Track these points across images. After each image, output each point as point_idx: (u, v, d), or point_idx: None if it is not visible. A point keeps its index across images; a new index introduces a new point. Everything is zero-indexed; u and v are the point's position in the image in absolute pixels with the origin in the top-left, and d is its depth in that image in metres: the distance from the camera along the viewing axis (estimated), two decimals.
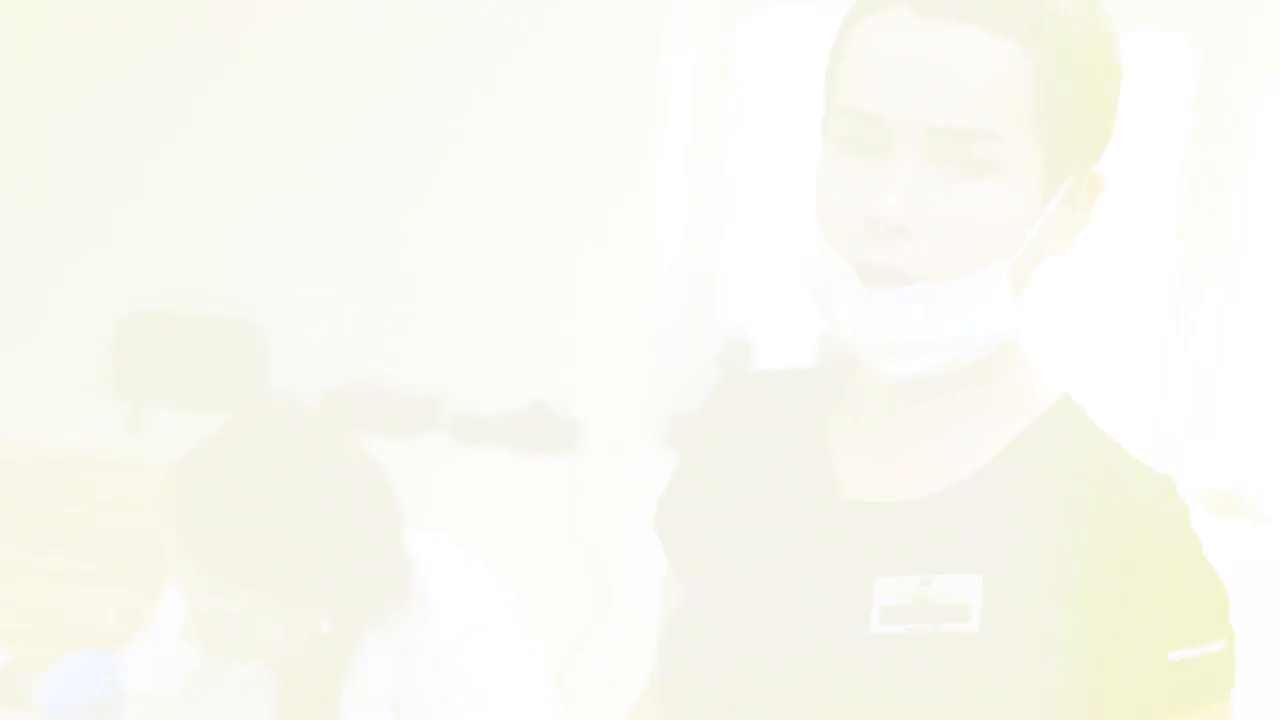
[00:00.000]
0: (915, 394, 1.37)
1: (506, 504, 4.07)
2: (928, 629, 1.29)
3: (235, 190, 4.44)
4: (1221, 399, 3.90)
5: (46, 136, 4.61)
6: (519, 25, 4.11)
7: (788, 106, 4.18)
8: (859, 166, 1.31)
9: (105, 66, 4.54)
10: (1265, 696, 3.19)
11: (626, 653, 1.61)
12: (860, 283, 1.30)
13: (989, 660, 1.28)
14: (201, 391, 4.35)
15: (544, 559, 3.97)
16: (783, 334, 4.13)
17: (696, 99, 4.12)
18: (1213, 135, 3.79)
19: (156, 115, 4.49)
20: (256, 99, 4.39)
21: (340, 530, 2.08)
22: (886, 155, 1.29)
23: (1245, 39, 3.76)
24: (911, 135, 1.28)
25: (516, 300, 4.17)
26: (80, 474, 4.52)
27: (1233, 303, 3.88)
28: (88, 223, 4.60)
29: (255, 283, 4.45)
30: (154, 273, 4.53)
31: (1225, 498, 3.80)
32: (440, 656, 2.14)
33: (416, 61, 4.23)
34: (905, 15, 1.29)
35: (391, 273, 4.32)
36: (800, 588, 1.37)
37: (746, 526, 1.43)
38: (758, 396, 1.52)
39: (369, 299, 4.34)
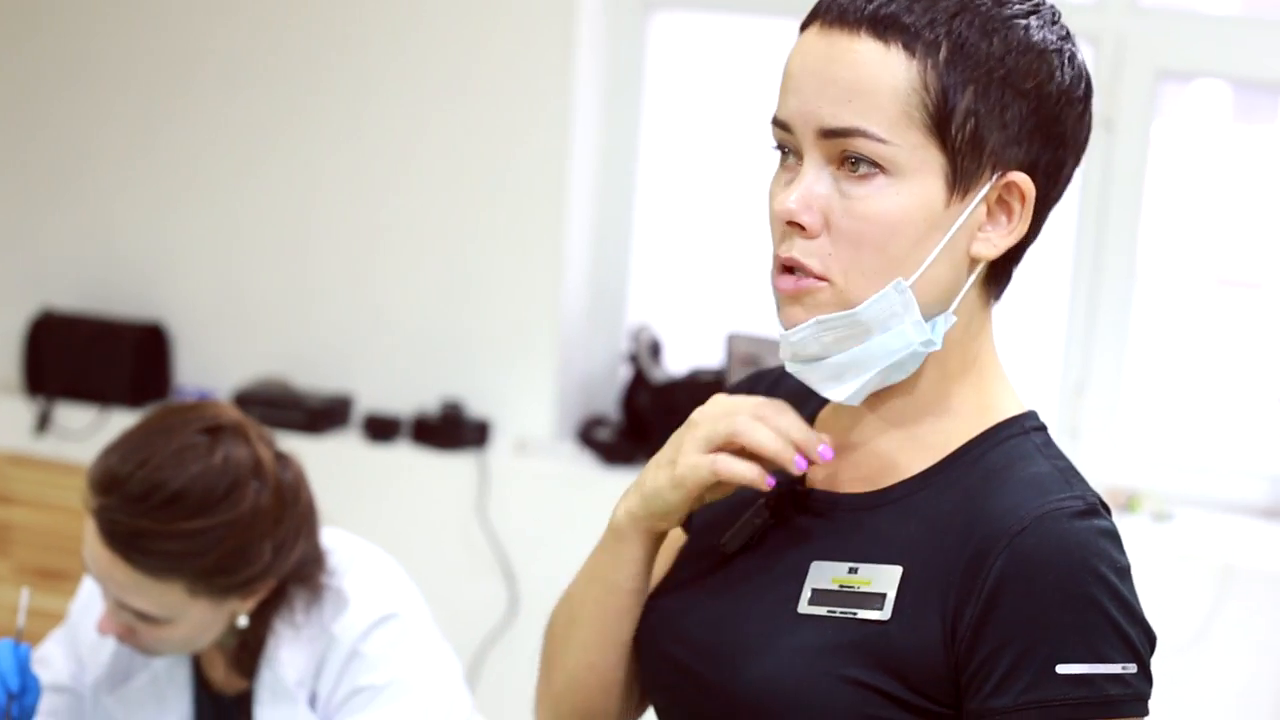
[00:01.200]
0: (875, 405, 1.46)
1: (418, 501, 4.10)
2: (848, 613, 1.38)
3: (145, 192, 4.44)
4: (1124, 402, 3.98)
5: None
6: (432, 24, 4.14)
7: (694, 107, 4.22)
8: (787, 169, 1.42)
9: (12, 77, 4.53)
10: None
11: (536, 646, 1.66)
12: (780, 318, 1.41)
13: (892, 648, 1.36)
14: (111, 391, 4.35)
15: (456, 555, 4.00)
16: (690, 333, 4.17)
17: (606, 98, 4.15)
18: (1111, 136, 3.87)
19: (70, 117, 4.49)
20: (166, 102, 4.39)
21: (255, 525, 2.10)
22: (800, 160, 1.40)
23: (1143, 43, 3.85)
24: (809, 138, 1.38)
25: (428, 300, 4.20)
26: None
27: (1137, 305, 3.95)
28: None
29: (164, 284, 4.44)
30: (64, 274, 4.52)
31: (1126, 495, 3.89)
32: (352, 648, 2.17)
33: (325, 61, 4.24)
34: (813, 32, 1.39)
35: (303, 274, 4.33)
36: (756, 565, 1.46)
37: (724, 503, 1.52)
38: (773, 388, 1.60)
39: (279, 300, 4.35)
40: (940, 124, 1.35)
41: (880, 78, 1.35)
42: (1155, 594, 3.61)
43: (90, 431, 4.34)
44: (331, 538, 2.27)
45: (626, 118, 4.17)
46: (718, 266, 4.22)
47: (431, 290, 4.19)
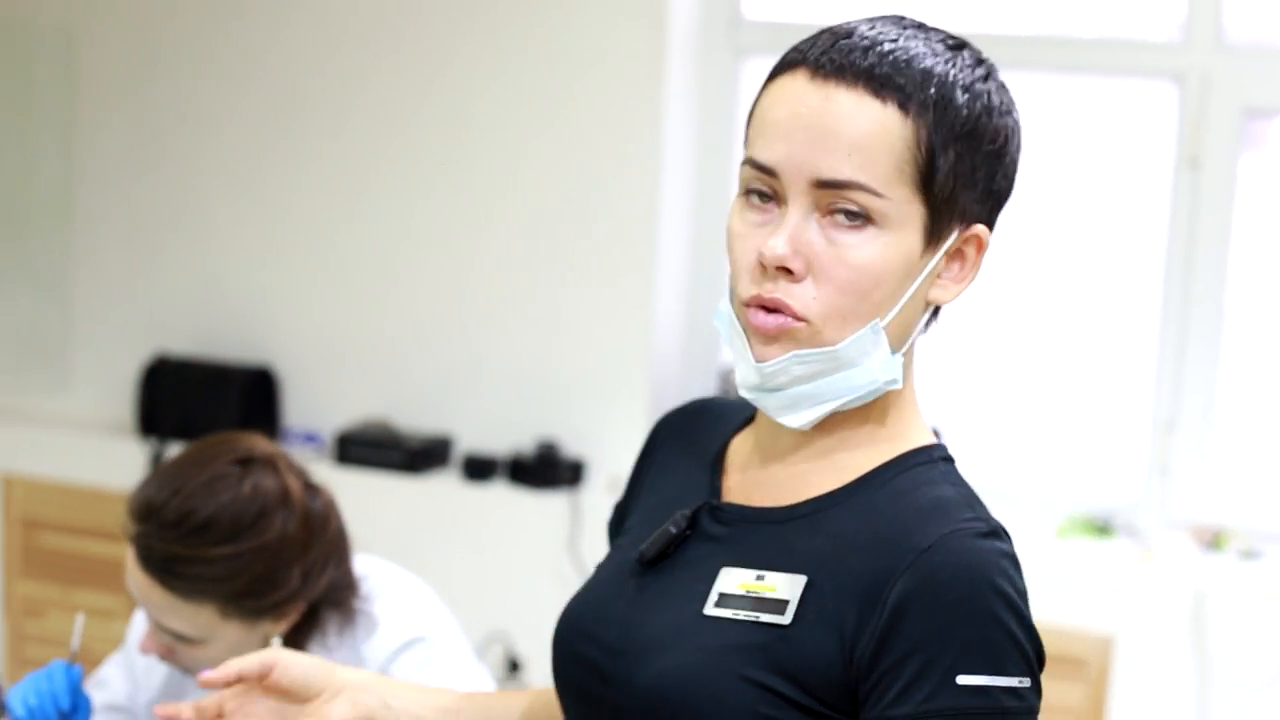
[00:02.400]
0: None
1: (513, 539, 4.18)
2: (750, 616, 1.44)
3: (253, 240, 4.58)
4: (1213, 439, 3.99)
5: (71, 191, 4.77)
6: (525, 67, 4.24)
7: None
8: (760, 213, 1.47)
9: (126, 126, 4.70)
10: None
11: None
12: (750, 344, 1.46)
13: (790, 652, 1.42)
14: (219, 432, 4.46)
15: (550, 592, 4.09)
16: None
17: (697, 139, 4.23)
18: (1197, 174, 3.90)
19: (180, 171, 4.64)
20: (271, 153, 4.53)
21: (283, 551, 2.19)
22: (781, 204, 1.45)
23: (1228, 81, 3.87)
24: (799, 185, 1.43)
25: (524, 342, 4.29)
26: (109, 511, 4.65)
27: (1226, 342, 3.96)
28: (113, 276, 4.75)
29: (272, 329, 4.58)
30: (177, 320, 4.67)
31: (1213, 533, 3.90)
32: (381, 669, 2.25)
33: (422, 107, 4.36)
34: (802, 78, 1.44)
35: (404, 318, 4.44)
36: (669, 572, 1.53)
37: (646, 519, 1.61)
38: (684, 422, 1.70)
39: (382, 344, 4.46)
40: (927, 181, 1.42)
41: (878, 134, 1.41)
42: (1239, 631, 3.64)
43: None
44: (365, 564, 2.35)
45: (718, 159, 4.25)
46: None
47: (527, 331, 4.29)
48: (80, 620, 2.30)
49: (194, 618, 2.18)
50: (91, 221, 4.75)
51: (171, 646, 2.22)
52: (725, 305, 1.51)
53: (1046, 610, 3.78)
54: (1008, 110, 1.49)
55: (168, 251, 4.68)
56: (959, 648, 1.37)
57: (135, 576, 2.19)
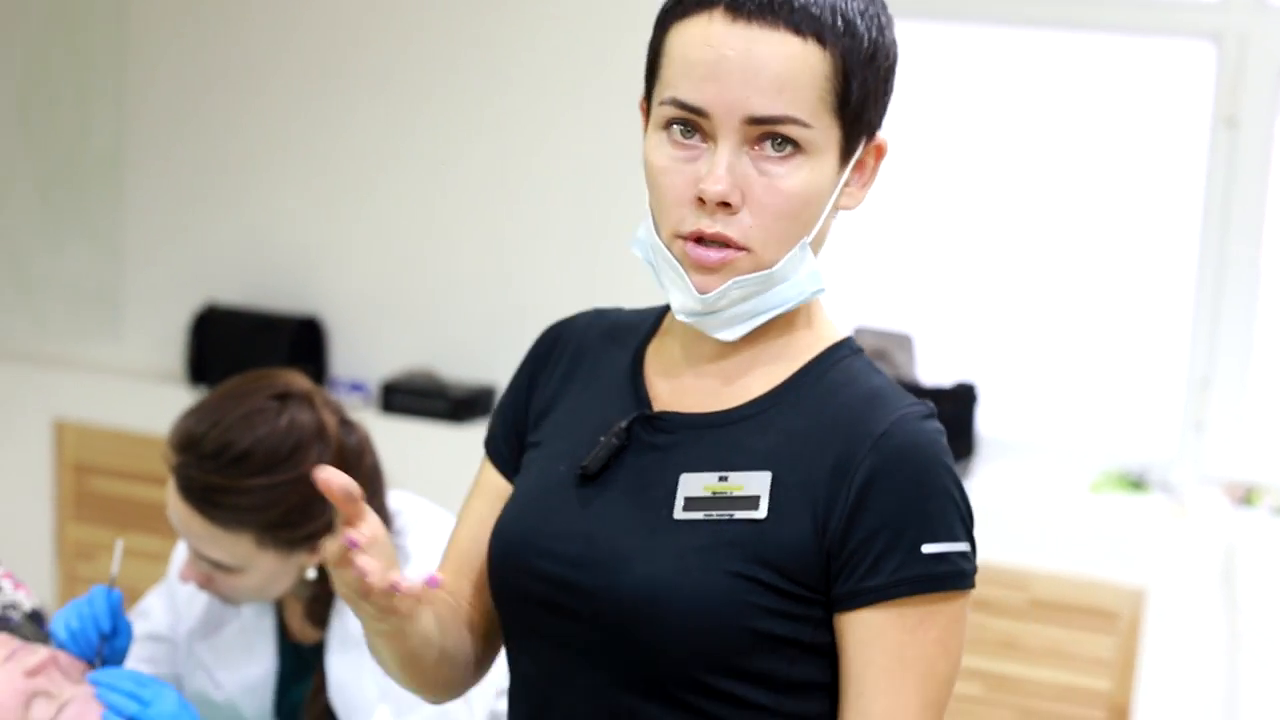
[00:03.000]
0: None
1: None
2: (724, 515, 1.54)
3: (302, 192, 4.66)
4: (1248, 396, 4.03)
5: (122, 146, 4.85)
6: (569, 21, 4.29)
7: None
8: (684, 149, 1.54)
9: (175, 82, 4.77)
10: None
11: None
12: (693, 282, 1.55)
13: (767, 543, 1.53)
14: None
15: None
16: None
17: None
18: (1234, 133, 3.93)
19: (232, 124, 4.72)
20: (322, 107, 4.60)
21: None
22: (710, 141, 1.53)
23: (1266, 41, 3.90)
24: (731, 124, 1.51)
25: (566, 294, 4.35)
26: (158, 457, 4.74)
27: (1261, 300, 4.01)
28: (164, 228, 4.84)
29: (320, 280, 4.66)
30: (227, 270, 4.76)
31: (1245, 488, 3.95)
32: None
33: (467, 62, 4.42)
34: (720, 19, 1.52)
35: (449, 269, 4.51)
36: (618, 482, 1.61)
37: (568, 432, 1.67)
38: (583, 331, 1.77)
39: (427, 295, 4.54)
40: (842, 105, 1.53)
41: (803, 70, 1.50)
42: (1270, 586, 3.70)
43: None
44: (398, 500, 2.42)
45: None
46: (842, 265, 4.34)
47: (570, 283, 4.34)
48: (119, 546, 2.38)
49: (231, 547, 2.24)
50: (142, 175, 4.83)
51: (210, 575, 2.29)
52: (646, 234, 1.60)
53: (1079, 563, 3.86)
54: (889, 25, 1.58)
55: (217, 204, 4.76)
56: (921, 521, 1.52)
57: (175, 506, 2.26)
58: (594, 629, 1.57)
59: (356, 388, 4.56)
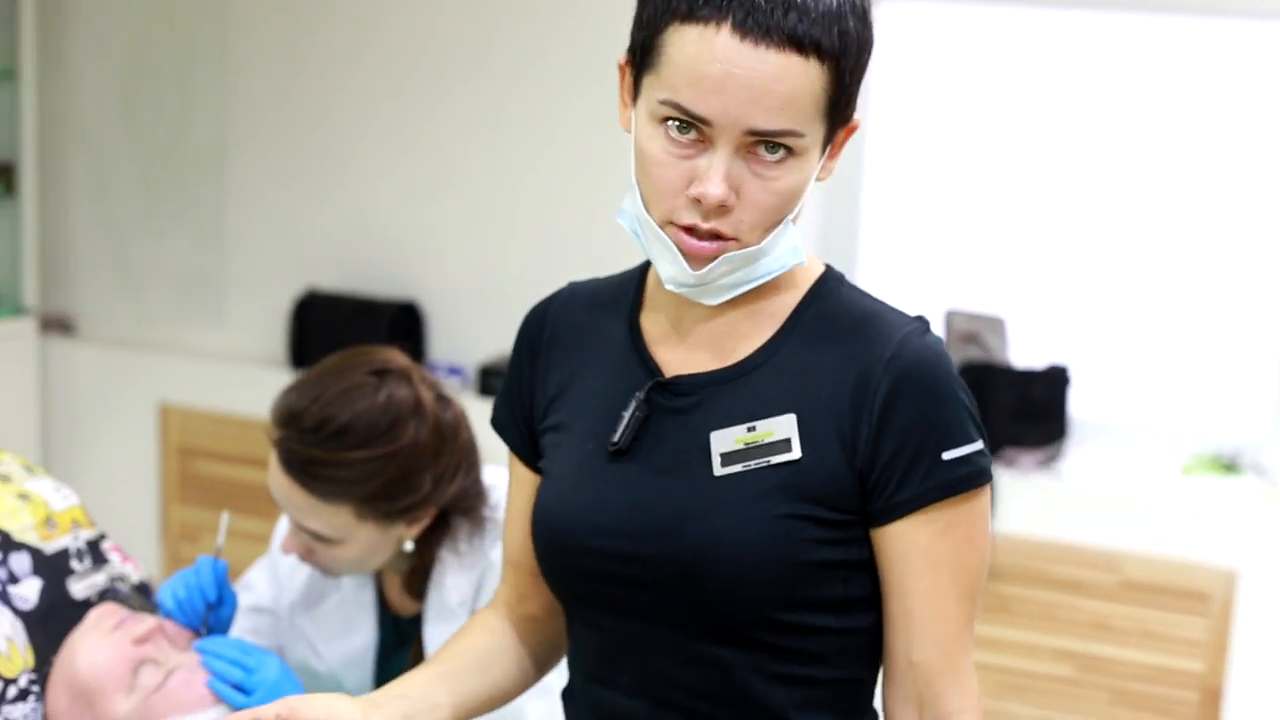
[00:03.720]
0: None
1: None
2: (762, 463, 1.61)
3: (402, 180, 4.73)
4: None
5: (225, 137, 4.95)
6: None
7: (920, 94, 4.35)
8: (680, 146, 1.59)
9: (276, 74, 4.87)
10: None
11: None
12: (681, 254, 1.60)
13: (807, 480, 1.60)
14: None
15: None
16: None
17: None
18: None
19: (335, 113, 4.80)
20: (421, 97, 4.67)
21: (415, 458, 2.30)
22: (710, 145, 1.57)
23: None
24: (732, 134, 1.55)
25: None
26: (261, 439, 4.83)
27: None
28: (266, 216, 4.93)
29: (419, 266, 4.74)
30: (328, 256, 4.84)
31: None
32: None
33: (566, 54, 4.48)
34: (726, 34, 1.55)
35: (544, 256, 4.56)
36: (651, 452, 1.67)
37: (584, 411, 1.73)
38: (568, 309, 1.83)
39: (523, 281, 4.59)
40: (832, 108, 1.58)
41: (804, 87, 1.55)
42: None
43: None
44: (494, 475, 2.45)
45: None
46: (935, 248, 4.36)
47: None
48: (225, 518, 2.45)
49: (331, 518, 2.29)
50: (245, 165, 4.92)
51: (311, 546, 2.34)
52: (634, 207, 1.65)
53: (1172, 545, 3.87)
54: (869, 11, 1.62)
55: (318, 192, 4.84)
56: (940, 430, 1.60)
57: (277, 479, 2.32)
58: (662, 592, 1.63)
59: (454, 371, 4.63)
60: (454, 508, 2.36)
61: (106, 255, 5.14)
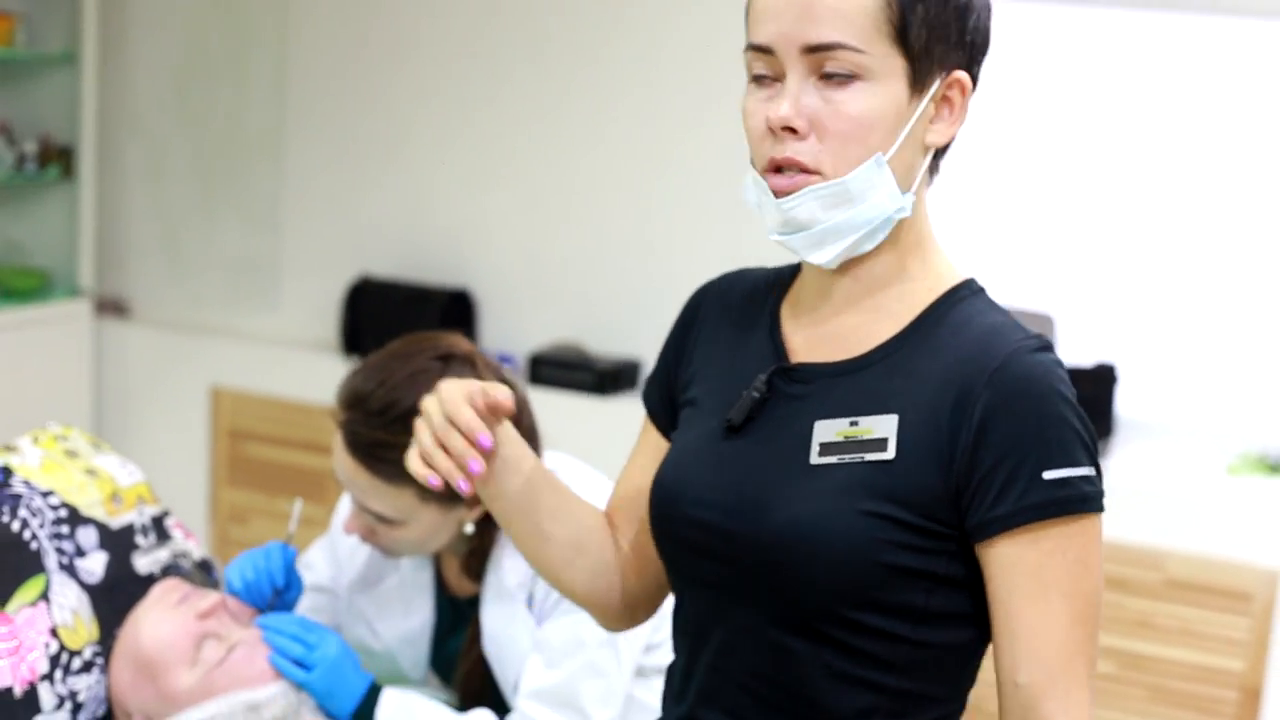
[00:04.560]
0: (844, 281, 1.71)
1: None
2: (855, 458, 1.63)
3: (456, 169, 4.77)
4: None
5: (283, 126, 5.00)
6: (717, 13, 4.36)
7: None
8: (767, 90, 1.66)
9: (334, 64, 4.91)
10: None
11: None
12: (772, 193, 1.65)
13: (898, 482, 1.61)
14: None
15: None
16: None
17: None
18: None
19: (390, 103, 4.85)
20: (476, 88, 4.71)
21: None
22: (781, 79, 1.64)
23: None
24: (792, 55, 1.62)
25: (711, 271, 4.41)
26: (312, 424, 4.89)
27: None
28: (321, 203, 4.98)
29: (472, 254, 4.78)
30: (382, 244, 4.89)
31: None
32: None
33: (620, 45, 4.51)
34: None
35: (597, 246, 4.60)
36: (761, 433, 1.71)
37: (717, 388, 1.78)
38: (724, 293, 1.88)
39: (575, 270, 4.63)
40: (902, 35, 1.61)
41: (853, 2, 1.61)
42: None
43: None
44: (554, 459, 2.51)
45: None
46: (984, 245, 4.37)
47: (715, 260, 4.39)
48: (298, 505, 2.49)
49: (395, 500, 2.33)
50: (302, 152, 4.98)
51: (373, 528, 2.38)
52: (750, 176, 1.70)
53: (1215, 544, 3.88)
54: None
55: (372, 181, 4.89)
56: (1040, 448, 1.58)
57: (342, 460, 2.36)
58: (743, 571, 1.67)
59: (505, 359, 4.66)
60: None
61: (162, 239, 5.20)
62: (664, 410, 1.87)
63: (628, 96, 4.52)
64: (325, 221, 4.97)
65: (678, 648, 1.80)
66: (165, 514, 2.52)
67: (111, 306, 5.25)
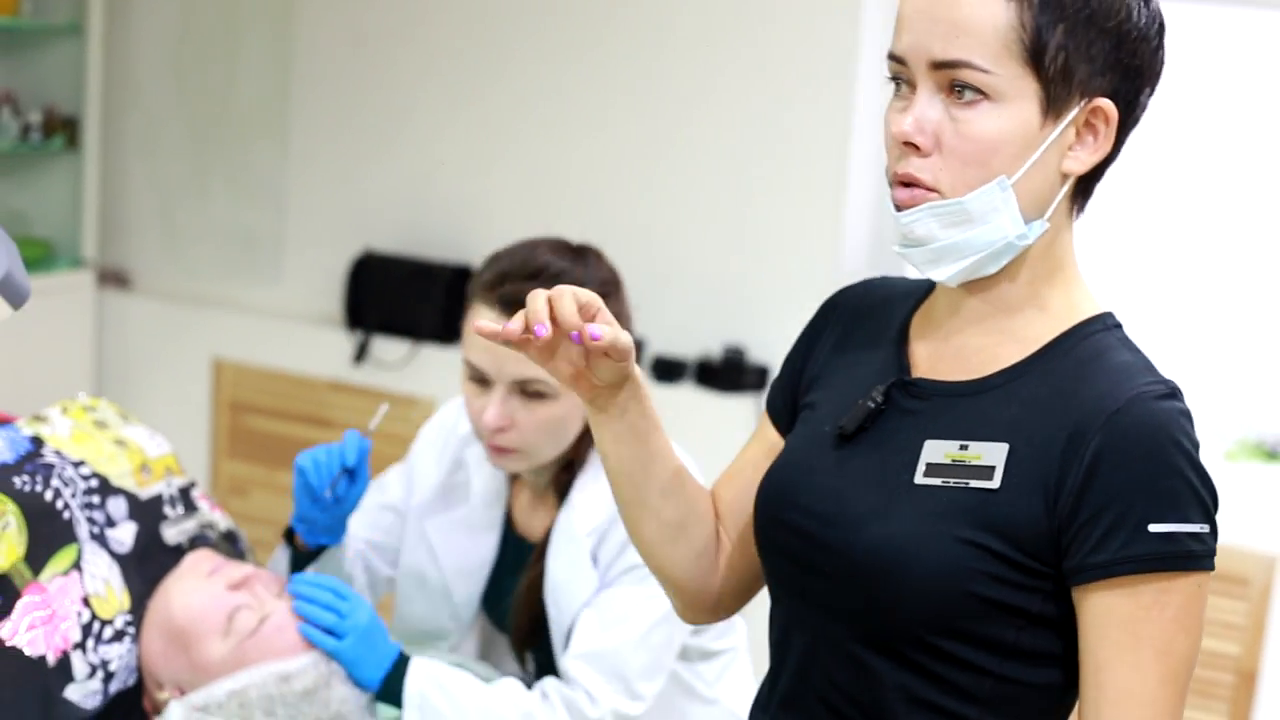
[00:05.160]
0: (974, 301, 1.68)
1: (699, 438, 4.35)
2: (960, 483, 1.60)
3: (460, 145, 4.79)
4: None
5: (288, 99, 5.02)
6: (722, 1, 4.40)
7: None
8: (902, 101, 1.63)
9: (339, 39, 4.93)
10: None
11: None
12: (894, 206, 1.64)
13: (1000, 513, 1.58)
14: (423, 327, 4.73)
15: None
16: None
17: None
18: None
19: (396, 79, 4.86)
20: (482, 66, 4.72)
21: (629, 318, 2.45)
22: (914, 90, 1.62)
23: None
24: (922, 69, 1.59)
25: (715, 252, 4.44)
26: (313, 397, 4.91)
27: None
28: (326, 177, 5.00)
29: (476, 230, 4.78)
30: (385, 219, 4.91)
31: None
32: None
33: (622, 28, 4.53)
34: None
35: (599, 224, 4.62)
36: (871, 444, 1.69)
37: (837, 394, 1.76)
38: (860, 298, 1.85)
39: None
40: (1035, 57, 1.56)
41: (983, 18, 1.56)
42: None
43: (403, 363, 4.72)
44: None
45: None
46: None
47: (718, 242, 4.44)
48: (384, 408, 2.51)
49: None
50: (306, 128, 4.99)
51: (513, 416, 2.40)
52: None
53: None
54: (1122, 3, 1.61)
55: (377, 156, 4.90)
56: (1149, 499, 1.52)
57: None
58: (833, 583, 1.65)
59: None
60: (580, 450, 2.47)
61: (165, 211, 5.22)
62: (785, 411, 1.85)
63: (632, 77, 4.54)
64: (329, 196, 4.98)
65: (770, 654, 1.79)
66: (192, 485, 2.54)
67: (114, 278, 5.26)
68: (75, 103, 5.10)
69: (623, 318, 2.41)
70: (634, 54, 4.52)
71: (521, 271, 2.40)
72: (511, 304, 2.35)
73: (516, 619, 2.52)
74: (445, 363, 4.70)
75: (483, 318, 2.37)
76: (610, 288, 2.44)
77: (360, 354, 4.79)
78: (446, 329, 4.72)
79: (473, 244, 4.76)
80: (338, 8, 4.90)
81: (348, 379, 4.85)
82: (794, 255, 4.35)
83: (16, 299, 1.61)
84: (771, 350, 4.38)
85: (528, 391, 2.39)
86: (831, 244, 4.31)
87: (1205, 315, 4.26)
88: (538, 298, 1.62)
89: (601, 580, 2.43)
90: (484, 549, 2.57)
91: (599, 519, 2.44)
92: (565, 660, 2.39)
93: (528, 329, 1.62)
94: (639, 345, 4.47)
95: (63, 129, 5.09)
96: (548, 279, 2.35)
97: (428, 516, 2.60)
